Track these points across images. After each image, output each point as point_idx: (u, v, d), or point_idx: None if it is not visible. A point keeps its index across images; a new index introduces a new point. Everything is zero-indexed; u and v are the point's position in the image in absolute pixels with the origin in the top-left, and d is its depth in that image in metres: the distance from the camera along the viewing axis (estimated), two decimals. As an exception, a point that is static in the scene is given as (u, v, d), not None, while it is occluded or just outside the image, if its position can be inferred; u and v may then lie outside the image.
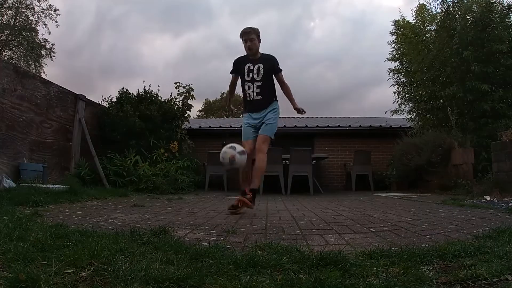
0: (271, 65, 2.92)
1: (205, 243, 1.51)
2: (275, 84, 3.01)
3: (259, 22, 42.14)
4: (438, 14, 6.88)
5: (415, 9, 7.51)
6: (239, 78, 3.03)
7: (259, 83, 2.86)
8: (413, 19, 7.43)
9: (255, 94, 2.91)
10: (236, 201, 2.66)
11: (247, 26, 2.94)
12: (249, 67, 2.91)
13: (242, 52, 3.03)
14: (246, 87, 2.94)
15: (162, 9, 43.43)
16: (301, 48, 44.34)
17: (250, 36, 2.85)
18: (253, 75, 2.88)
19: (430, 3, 7.15)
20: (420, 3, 7.39)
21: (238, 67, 2.99)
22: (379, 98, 35.15)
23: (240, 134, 3.06)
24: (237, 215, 2.60)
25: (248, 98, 2.97)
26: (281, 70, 2.98)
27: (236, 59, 3.05)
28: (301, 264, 1.15)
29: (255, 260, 1.14)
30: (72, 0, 28.16)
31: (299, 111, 3.07)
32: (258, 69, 2.88)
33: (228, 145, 2.64)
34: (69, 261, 1.06)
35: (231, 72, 3.08)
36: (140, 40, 42.58)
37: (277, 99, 3.03)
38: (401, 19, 7.47)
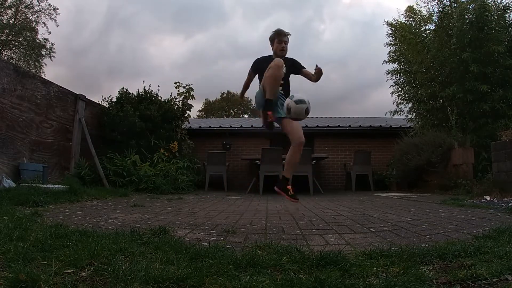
0: (291, 64, 2.74)
1: (205, 243, 1.51)
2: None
3: (270, 24, 42.02)
4: (435, 14, 6.88)
5: (403, 12, 7.57)
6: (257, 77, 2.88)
7: (281, 82, 2.65)
8: (406, 20, 7.45)
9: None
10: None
11: (281, 28, 2.75)
12: None
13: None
14: None
15: (172, 10, 43.46)
16: (310, 50, 44.14)
17: (286, 39, 2.73)
18: None
19: (427, 3, 7.15)
20: (409, 5, 7.43)
21: (260, 66, 2.78)
22: (381, 99, 35.20)
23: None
24: (241, 214, 2.61)
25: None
26: (304, 67, 2.79)
27: (258, 59, 2.87)
28: (301, 264, 1.15)
29: (255, 260, 1.14)
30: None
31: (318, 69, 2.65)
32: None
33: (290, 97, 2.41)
34: (69, 261, 1.06)
35: (251, 70, 2.90)
36: (148, 40, 42.56)
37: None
38: (395, 21, 7.47)
